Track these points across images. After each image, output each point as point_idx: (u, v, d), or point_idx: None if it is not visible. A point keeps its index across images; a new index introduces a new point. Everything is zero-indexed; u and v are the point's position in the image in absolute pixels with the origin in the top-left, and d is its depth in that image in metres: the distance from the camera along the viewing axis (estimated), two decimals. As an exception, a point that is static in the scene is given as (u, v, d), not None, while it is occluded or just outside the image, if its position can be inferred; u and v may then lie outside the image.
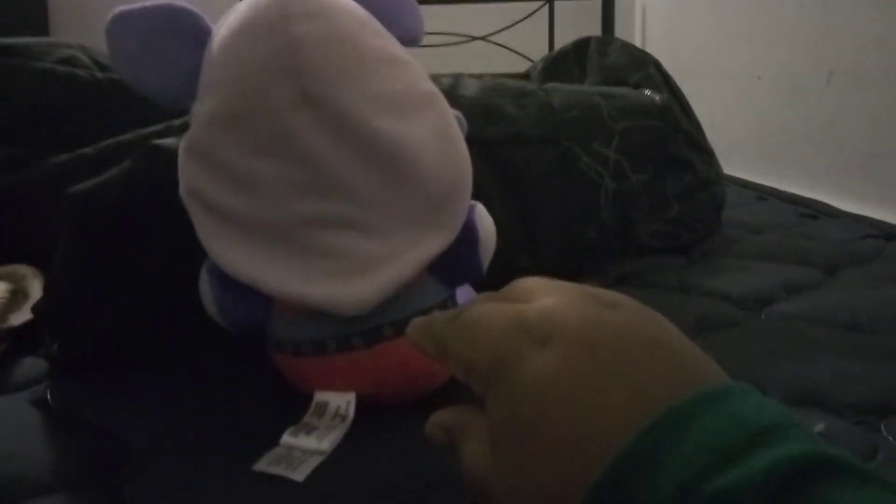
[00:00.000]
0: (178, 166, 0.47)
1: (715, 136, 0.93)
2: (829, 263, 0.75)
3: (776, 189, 1.18)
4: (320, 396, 0.46)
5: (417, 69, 0.49)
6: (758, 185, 1.23)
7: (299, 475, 0.41)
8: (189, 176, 0.46)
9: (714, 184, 0.86)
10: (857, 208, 1.00)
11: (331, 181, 0.45)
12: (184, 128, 0.50)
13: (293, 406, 0.47)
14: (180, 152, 0.47)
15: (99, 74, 0.74)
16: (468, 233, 0.48)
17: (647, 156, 0.74)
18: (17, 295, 0.63)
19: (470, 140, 0.50)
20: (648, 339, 0.27)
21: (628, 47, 0.94)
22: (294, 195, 0.45)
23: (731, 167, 1.06)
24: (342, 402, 0.46)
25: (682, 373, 0.26)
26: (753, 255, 0.79)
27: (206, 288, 0.48)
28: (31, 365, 0.56)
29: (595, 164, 0.65)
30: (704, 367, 0.27)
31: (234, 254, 0.46)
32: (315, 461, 0.42)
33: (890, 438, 0.43)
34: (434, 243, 0.47)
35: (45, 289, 0.52)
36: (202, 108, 0.46)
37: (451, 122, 0.49)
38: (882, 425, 0.45)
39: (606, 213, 0.67)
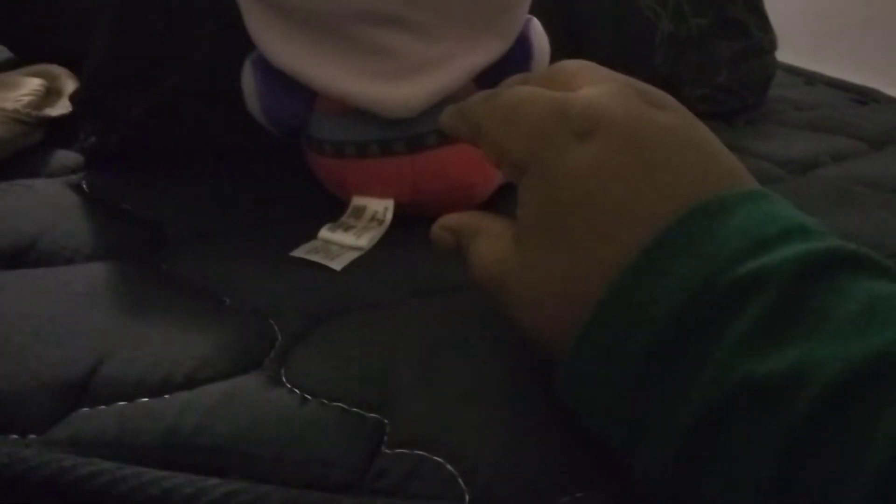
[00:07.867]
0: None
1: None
2: (876, 139, 0.73)
3: (825, 75, 1.13)
4: (358, 200, 0.46)
5: None
6: (806, 70, 1.19)
7: (337, 265, 0.41)
8: (238, -42, 0.44)
9: (767, 52, 0.83)
10: (910, 96, 0.96)
11: (386, -27, 0.43)
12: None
13: (330, 208, 0.46)
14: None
15: None
16: (522, 46, 0.46)
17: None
18: (51, 93, 0.62)
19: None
20: (692, 142, 0.27)
21: None
22: (347, -15, 0.43)
23: (780, 53, 1.02)
24: (380, 206, 0.46)
25: (723, 176, 0.26)
26: (799, 126, 0.77)
27: (249, 81, 0.46)
28: (67, 156, 0.55)
29: (654, 4, 0.62)
30: (744, 174, 0.27)
31: (281, 44, 0.44)
32: (352, 255, 0.42)
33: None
34: (487, 51, 0.45)
35: (84, 72, 0.51)
36: None
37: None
38: (923, 276, 0.44)
39: (660, 58, 0.65)
